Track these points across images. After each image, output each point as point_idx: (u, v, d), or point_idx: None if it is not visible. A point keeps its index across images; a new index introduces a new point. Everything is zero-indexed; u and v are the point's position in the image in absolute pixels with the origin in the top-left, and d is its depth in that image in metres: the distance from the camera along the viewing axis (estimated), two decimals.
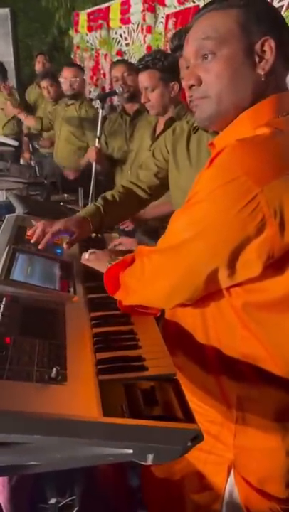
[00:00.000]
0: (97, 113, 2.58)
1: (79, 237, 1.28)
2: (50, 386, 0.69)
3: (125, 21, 4.34)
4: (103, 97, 2.63)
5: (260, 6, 0.80)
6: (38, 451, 0.61)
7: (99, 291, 1.03)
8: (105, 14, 4.71)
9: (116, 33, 4.63)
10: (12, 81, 5.21)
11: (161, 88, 2.01)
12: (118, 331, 0.91)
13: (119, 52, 4.57)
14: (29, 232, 1.28)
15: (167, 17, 3.62)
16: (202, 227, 0.74)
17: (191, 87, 0.83)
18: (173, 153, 1.50)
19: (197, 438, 0.62)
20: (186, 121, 1.54)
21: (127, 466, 1.25)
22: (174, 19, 3.52)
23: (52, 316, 0.91)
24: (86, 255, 1.20)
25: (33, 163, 4.47)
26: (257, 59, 0.78)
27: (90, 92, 5.21)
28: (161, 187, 1.54)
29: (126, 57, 4.31)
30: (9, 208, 1.78)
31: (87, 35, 5.34)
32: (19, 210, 1.65)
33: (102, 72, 5.04)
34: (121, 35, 4.54)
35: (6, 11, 5.77)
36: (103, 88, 4.99)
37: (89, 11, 5.28)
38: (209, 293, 0.80)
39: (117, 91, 2.58)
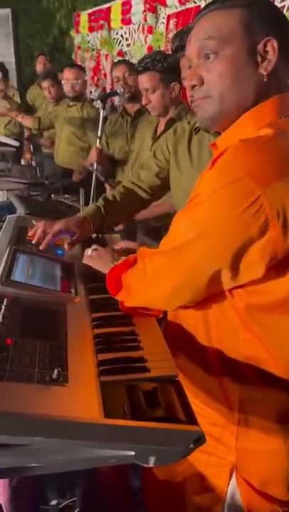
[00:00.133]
0: (99, 113, 2.58)
1: (80, 237, 1.28)
2: (51, 387, 0.68)
3: (126, 22, 4.34)
4: (104, 98, 2.63)
5: (263, 6, 0.79)
6: (39, 453, 0.61)
7: (100, 292, 1.03)
8: (106, 14, 4.71)
9: (117, 33, 4.63)
10: (13, 81, 5.21)
11: (162, 89, 2.01)
12: (120, 332, 0.91)
13: (120, 53, 4.56)
14: (30, 233, 1.28)
15: (168, 17, 3.62)
16: (205, 228, 0.73)
17: (193, 87, 0.83)
18: (174, 153, 1.50)
19: (199, 440, 0.62)
20: (188, 121, 1.54)
21: (128, 468, 1.25)
22: (175, 19, 3.51)
23: (53, 317, 0.91)
24: (89, 252, 1.19)
25: (34, 163, 4.47)
26: (259, 59, 0.78)
27: (91, 92, 5.21)
28: (162, 187, 1.54)
29: (127, 58, 4.31)
30: (10, 209, 1.77)
31: (88, 35, 5.34)
32: (20, 210, 1.65)
33: (103, 72, 5.04)
34: (122, 36, 4.54)
35: (7, 11, 5.77)
36: (104, 88, 4.99)
37: (90, 11, 5.28)
38: (211, 295, 0.80)
39: (118, 91, 2.58)
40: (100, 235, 1.49)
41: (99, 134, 2.55)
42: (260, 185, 0.68)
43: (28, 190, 2.42)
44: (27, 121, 3.86)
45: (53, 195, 2.34)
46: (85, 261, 1.19)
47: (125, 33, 4.47)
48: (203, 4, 3.20)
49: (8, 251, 1.13)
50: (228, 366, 0.86)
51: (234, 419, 0.88)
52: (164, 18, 3.71)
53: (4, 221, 1.44)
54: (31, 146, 4.68)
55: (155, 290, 0.85)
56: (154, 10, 3.80)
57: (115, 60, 4.14)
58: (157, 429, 0.61)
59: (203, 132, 1.44)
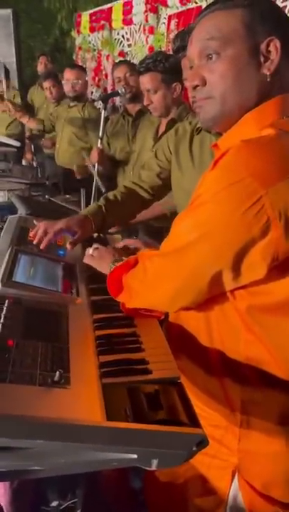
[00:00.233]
0: (100, 114, 2.58)
1: (82, 236, 1.27)
2: (53, 390, 0.68)
3: (127, 22, 4.34)
4: (106, 98, 2.63)
5: (265, 6, 0.79)
6: (40, 456, 0.61)
7: (102, 293, 1.02)
8: (107, 15, 4.71)
9: (118, 33, 4.62)
10: (14, 82, 5.21)
11: (164, 90, 2.01)
12: (121, 334, 0.91)
13: (122, 53, 4.56)
14: (31, 234, 1.27)
15: (169, 18, 3.62)
16: (206, 229, 0.73)
17: (195, 87, 0.82)
18: (175, 153, 1.50)
19: (202, 443, 0.61)
20: (189, 122, 1.54)
21: (129, 469, 1.24)
22: (177, 20, 3.51)
23: (55, 318, 0.91)
24: (90, 251, 1.18)
25: (35, 164, 4.47)
26: (262, 59, 0.77)
27: (92, 92, 5.21)
28: (163, 187, 1.54)
29: (128, 58, 4.31)
30: (11, 209, 1.77)
31: (89, 36, 5.34)
32: (21, 211, 1.65)
33: (104, 72, 5.04)
34: (123, 36, 4.53)
35: (9, 11, 5.77)
36: (105, 89, 4.98)
37: (91, 11, 5.27)
38: (213, 296, 0.79)
39: (119, 92, 2.58)
40: (101, 235, 1.48)
41: (100, 134, 2.55)
42: (263, 185, 0.67)
43: (29, 190, 2.42)
44: (32, 124, 3.86)
45: (46, 196, 2.32)
46: (86, 260, 1.18)
47: (126, 33, 4.46)
48: (204, 5, 3.20)
49: (9, 251, 1.12)
50: (230, 367, 0.85)
51: (236, 421, 0.87)
52: (165, 18, 3.71)
53: (5, 221, 1.44)
54: (32, 147, 4.68)
55: (157, 292, 0.85)
56: (155, 10, 3.80)
57: (116, 61, 4.15)
58: (160, 432, 0.61)
59: (205, 133, 1.44)
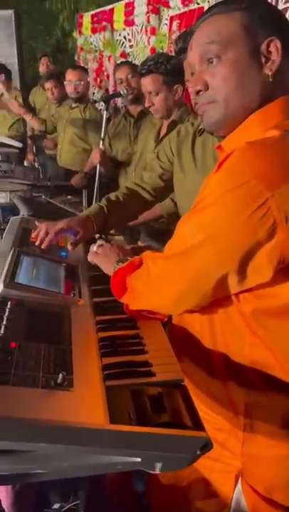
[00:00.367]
0: (102, 115, 2.58)
1: (83, 236, 1.27)
2: (56, 392, 0.67)
3: (129, 23, 4.34)
4: (107, 99, 2.63)
5: (263, 8, 0.80)
6: (43, 460, 0.60)
7: (104, 294, 1.02)
8: (109, 16, 4.71)
9: (120, 34, 4.63)
10: (16, 83, 5.22)
11: (165, 92, 2.01)
12: (124, 336, 0.90)
13: (123, 54, 4.56)
14: (33, 235, 1.27)
15: (171, 19, 3.62)
16: (211, 232, 0.72)
17: (197, 92, 0.82)
18: (178, 155, 1.49)
19: (206, 446, 0.61)
20: (191, 123, 1.53)
21: (132, 471, 1.24)
22: (178, 21, 3.51)
23: (57, 320, 0.90)
24: (94, 248, 1.17)
25: (36, 164, 4.47)
26: (263, 60, 0.77)
27: (94, 93, 5.22)
28: (165, 189, 1.53)
29: (130, 59, 4.31)
30: (13, 210, 1.77)
31: (90, 36, 5.34)
32: (23, 212, 1.65)
33: (105, 73, 5.04)
34: (125, 37, 4.54)
35: (10, 12, 5.78)
36: (107, 90, 4.99)
37: (93, 12, 5.28)
38: (217, 299, 0.79)
39: (121, 93, 2.58)
40: (102, 236, 1.48)
41: (102, 135, 2.55)
42: (269, 187, 0.67)
43: (31, 191, 2.41)
44: (34, 123, 3.86)
45: (43, 197, 2.32)
46: (90, 257, 1.17)
47: (128, 34, 4.46)
48: (206, 5, 3.20)
49: (12, 253, 1.12)
50: (234, 371, 0.85)
51: (240, 425, 0.86)
52: (166, 19, 3.71)
53: (7, 222, 1.43)
54: (34, 147, 4.68)
55: (161, 294, 0.85)
56: (157, 11, 3.80)
57: (118, 62, 4.15)
58: (163, 436, 0.60)
59: (207, 134, 1.43)
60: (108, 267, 1.05)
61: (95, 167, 2.66)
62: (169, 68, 1.97)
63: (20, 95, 4.62)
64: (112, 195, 1.46)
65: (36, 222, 1.35)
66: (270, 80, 0.78)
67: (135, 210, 1.53)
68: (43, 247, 1.20)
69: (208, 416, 0.88)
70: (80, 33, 5.64)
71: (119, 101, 4.18)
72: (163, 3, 3.69)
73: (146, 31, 4.03)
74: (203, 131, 1.44)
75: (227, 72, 0.78)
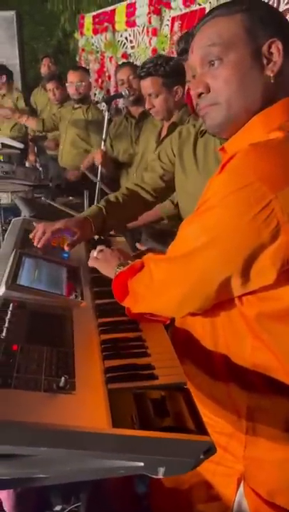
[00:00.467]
0: (103, 116, 2.58)
1: (81, 237, 1.26)
2: (58, 395, 0.67)
3: (131, 24, 4.34)
4: (109, 100, 2.63)
5: (264, 9, 0.80)
6: (45, 464, 0.60)
7: (106, 296, 1.01)
8: (111, 17, 4.72)
9: (121, 35, 4.63)
10: (17, 84, 5.22)
11: (165, 94, 2.00)
12: (127, 338, 0.90)
13: (125, 55, 4.56)
14: (31, 235, 1.26)
15: (173, 20, 3.62)
16: (215, 235, 0.72)
17: (199, 95, 0.82)
18: (179, 156, 1.48)
19: (210, 450, 0.60)
20: (193, 124, 1.53)
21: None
22: (180, 22, 3.51)
23: (59, 322, 0.90)
24: (94, 253, 1.17)
25: (38, 165, 4.47)
26: (265, 61, 0.77)
27: (95, 94, 5.22)
28: (166, 189, 1.52)
29: (131, 60, 4.31)
30: (15, 211, 1.77)
31: (92, 37, 5.35)
32: (25, 213, 1.65)
33: (107, 74, 5.04)
34: (126, 38, 4.54)
35: (12, 13, 5.79)
36: (108, 91, 4.99)
37: (94, 13, 5.28)
38: (220, 302, 0.79)
39: (123, 94, 2.58)
40: (102, 237, 1.47)
41: (103, 136, 2.55)
42: (272, 189, 0.67)
43: (33, 192, 2.42)
44: (31, 123, 3.86)
45: (43, 198, 2.32)
46: (90, 263, 1.17)
47: (130, 35, 4.47)
48: (207, 6, 3.20)
49: (13, 254, 1.12)
50: (236, 374, 0.84)
51: (242, 428, 0.86)
52: (168, 20, 3.71)
53: (9, 223, 1.43)
54: (35, 148, 4.68)
55: (163, 297, 0.84)
56: (158, 12, 3.80)
57: (119, 63, 4.15)
58: (167, 440, 0.60)
59: (209, 135, 1.43)
60: (109, 272, 1.05)
61: (93, 166, 2.65)
62: (168, 70, 1.96)
63: (21, 96, 4.63)
64: (112, 196, 1.45)
65: (34, 223, 1.34)
66: (272, 81, 0.78)
67: (135, 211, 1.52)
68: (39, 246, 1.19)
69: (211, 419, 0.88)
70: (82, 34, 5.65)
71: (120, 102, 4.18)
72: (164, 4, 3.69)
73: (147, 32, 4.03)
74: (205, 132, 1.44)
75: (229, 74, 0.78)
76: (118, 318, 0.96)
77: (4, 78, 4.51)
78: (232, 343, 0.84)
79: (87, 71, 3.48)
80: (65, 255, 1.25)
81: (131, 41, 4.47)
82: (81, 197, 2.43)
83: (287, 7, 2.59)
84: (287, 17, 1.06)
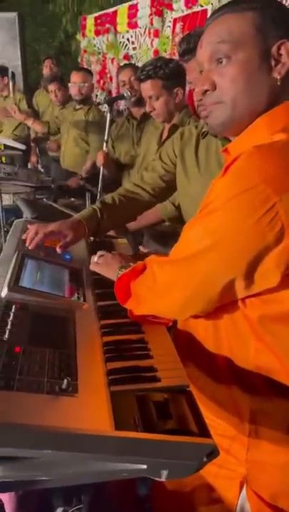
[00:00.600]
0: (105, 117, 2.58)
1: (73, 240, 1.24)
2: (60, 398, 0.66)
3: (132, 25, 4.35)
4: (111, 101, 2.63)
5: (276, 9, 0.78)
6: (47, 466, 0.60)
7: (109, 298, 1.01)
8: (112, 18, 4.73)
9: (123, 37, 4.64)
10: (19, 85, 5.23)
11: (165, 96, 2.00)
12: (129, 340, 0.89)
13: (127, 56, 4.57)
14: (23, 236, 1.25)
15: (174, 21, 3.62)
16: (218, 237, 0.72)
17: (204, 92, 0.81)
18: (181, 158, 1.48)
19: (213, 453, 0.60)
20: (195, 125, 1.52)
21: None
22: (182, 23, 3.51)
23: (62, 324, 0.90)
24: (95, 258, 1.16)
25: (40, 166, 4.48)
26: (273, 63, 0.76)
27: (97, 95, 5.22)
28: (166, 189, 1.51)
29: (133, 61, 4.32)
30: (17, 212, 1.78)
31: (94, 39, 5.36)
32: (27, 214, 1.65)
33: (108, 76, 5.05)
34: (128, 39, 4.55)
35: (14, 15, 5.80)
36: (110, 92, 5.00)
37: (96, 15, 5.30)
38: (223, 304, 0.78)
39: (125, 95, 2.58)
40: (104, 239, 1.47)
41: (105, 137, 2.55)
42: (277, 192, 0.66)
43: (34, 193, 2.42)
44: (37, 127, 3.87)
45: (45, 200, 2.32)
46: (92, 268, 1.17)
47: (131, 36, 4.48)
48: (209, 8, 3.20)
49: (15, 256, 1.12)
50: (239, 376, 0.84)
51: (245, 431, 0.86)
52: (170, 21, 3.72)
53: (11, 224, 1.43)
54: (37, 149, 4.69)
55: (166, 300, 0.84)
56: (160, 14, 3.81)
57: (121, 64, 4.15)
58: (170, 443, 0.59)
59: (210, 137, 1.42)
60: (111, 274, 1.04)
61: (95, 168, 2.65)
62: (168, 72, 1.96)
63: (24, 98, 4.63)
64: (108, 198, 1.43)
65: (28, 225, 1.33)
66: (279, 83, 0.77)
67: (132, 212, 1.50)
68: (30, 247, 1.18)
69: (213, 422, 0.87)
70: (84, 35, 5.66)
71: (121, 103, 4.18)
72: (166, 5, 3.69)
73: (149, 33, 4.04)
74: (207, 133, 1.43)
75: (236, 73, 0.77)
76: (120, 320, 0.96)
77: (6, 80, 4.52)
78: (235, 345, 0.84)
79: (90, 72, 3.48)
80: (67, 257, 1.25)
81: (133, 42, 4.48)
82: (83, 198, 2.43)
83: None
84: None
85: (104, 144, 2.56)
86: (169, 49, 3.70)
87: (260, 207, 0.66)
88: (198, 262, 0.75)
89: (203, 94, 0.82)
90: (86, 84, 3.23)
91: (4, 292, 0.95)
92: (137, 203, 1.46)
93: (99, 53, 5.26)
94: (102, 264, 1.13)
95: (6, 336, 0.79)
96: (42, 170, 4.13)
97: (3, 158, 3.20)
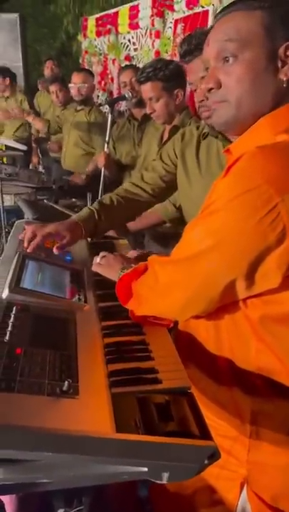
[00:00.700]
0: (106, 118, 2.58)
1: (71, 241, 1.24)
2: (61, 400, 0.66)
3: (134, 26, 4.36)
4: (112, 102, 2.64)
5: (285, 9, 0.76)
6: (48, 469, 0.59)
7: (110, 299, 1.01)
8: (114, 19, 4.73)
9: (124, 38, 4.64)
10: (21, 86, 5.24)
11: (166, 98, 2.00)
12: (130, 342, 0.89)
13: (128, 57, 4.58)
14: (20, 236, 1.24)
15: (176, 22, 3.62)
16: (220, 238, 0.72)
17: (209, 90, 0.80)
18: (182, 158, 1.48)
19: (214, 455, 0.60)
20: (196, 126, 1.52)
21: None
22: (183, 24, 3.51)
23: (63, 326, 0.89)
24: (97, 259, 1.16)
25: (41, 167, 4.48)
26: (280, 64, 0.75)
27: (98, 96, 5.23)
28: (166, 190, 1.50)
29: (134, 63, 4.32)
30: (18, 213, 1.78)
31: (95, 40, 5.37)
32: (28, 215, 1.65)
33: (110, 76, 5.06)
34: (129, 40, 4.55)
35: (15, 16, 5.81)
36: (111, 93, 5.00)
37: (97, 16, 5.30)
38: (224, 305, 0.78)
39: (126, 96, 2.58)
40: (105, 240, 1.46)
41: (107, 138, 2.55)
42: (279, 192, 0.66)
43: (36, 194, 2.42)
44: (37, 124, 3.87)
45: (45, 201, 2.32)
46: (94, 268, 1.17)
47: (132, 37, 4.48)
48: (210, 9, 3.20)
49: (16, 257, 1.12)
50: (240, 377, 0.84)
51: (246, 432, 0.86)
52: (171, 22, 3.72)
53: (12, 225, 1.43)
54: (39, 150, 4.69)
55: (167, 300, 0.84)
56: (161, 15, 3.81)
57: (122, 65, 4.16)
58: (171, 445, 0.59)
59: (211, 138, 1.42)
60: (113, 275, 1.04)
61: (98, 169, 2.65)
62: (168, 74, 1.95)
63: (25, 99, 4.64)
64: (106, 198, 1.42)
65: (25, 226, 1.32)
66: (285, 85, 0.76)
67: (131, 213, 1.49)
68: (29, 250, 1.18)
69: (215, 423, 0.87)
70: (85, 36, 5.67)
71: (122, 104, 4.19)
72: (167, 6, 3.69)
73: (150, 34, 4.04)
74: (208, 134, 1.43)
75: (242, 72, 0.76)
76: (122, 321, 0.96)
77: (8, 80, 4.53)
78: (236, 345, 0.83)
79: (91, 73, 3.48)
80: (68, 258, 1.25)
81: (134, 43, 4.48)
82: (84, 199, 2.43)
83: None
84: None
85: (106, 145, 2.56)
86: (170, 50, 3.70)
87: (262, 207, 0.66)
88: (200, 262, 0.75)
89: (208, 91, 0.81)
90: (86, 84, 3.23)
91: (5, 293, 0.94)
92: (135, 203, 1.45)
93: (100, 54, 5.27)
94: (104, 265, 1.13)
95: (7, 337, 0.78)
96: (43, 171, 4.13)
97: (5, 159, 3.20)
